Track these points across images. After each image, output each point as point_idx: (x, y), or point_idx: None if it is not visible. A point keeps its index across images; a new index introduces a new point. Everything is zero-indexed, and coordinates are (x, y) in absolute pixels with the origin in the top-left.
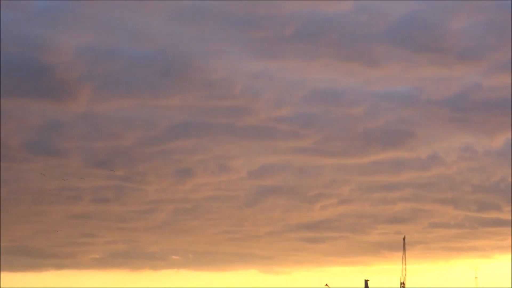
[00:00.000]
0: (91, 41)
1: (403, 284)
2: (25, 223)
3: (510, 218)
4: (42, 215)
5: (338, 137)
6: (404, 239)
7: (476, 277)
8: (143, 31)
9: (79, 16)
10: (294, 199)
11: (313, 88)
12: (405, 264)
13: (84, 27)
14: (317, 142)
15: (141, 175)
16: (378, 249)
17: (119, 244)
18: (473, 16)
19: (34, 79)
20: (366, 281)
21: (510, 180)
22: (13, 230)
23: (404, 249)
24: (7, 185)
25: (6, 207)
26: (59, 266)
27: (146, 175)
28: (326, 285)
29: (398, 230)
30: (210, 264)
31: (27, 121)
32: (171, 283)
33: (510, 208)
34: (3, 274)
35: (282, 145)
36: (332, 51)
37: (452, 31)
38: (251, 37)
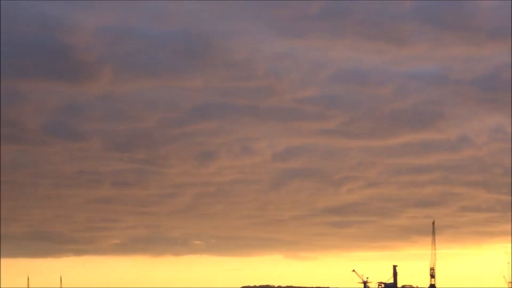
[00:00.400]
0: (111, 21)
1: (433, 269)
2: (44, 207)
3: None
4: (61, 199)
5: (364, 118)
6: (433, 223)
7: (509, 262)
8: (165, 10)
9: None
10: (320, 182)
11: (339, 68)
12: (435, 249)
13: (104, 6)
14: (343, 124)
15: (163, 158)
16: (407, 233)
17: (140, 229)
18: None
19: (52, 60)
20: (394, 267)
21: None
22: (32, 215)
23: (433, 233)
24: (25, 169)
25: (25, 191)
26: (79, 252)
27: (168, 158)
28: (353, 270)
29: (428, 214)
30: (234, 250)
31: (45, 103)
32: (194, 269)
33: None
34: (22, 260)
35: (307, 126)
36: (358, 30)
37: (482, 9)
38: (275, 16)
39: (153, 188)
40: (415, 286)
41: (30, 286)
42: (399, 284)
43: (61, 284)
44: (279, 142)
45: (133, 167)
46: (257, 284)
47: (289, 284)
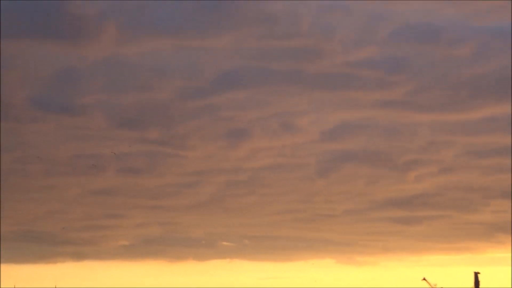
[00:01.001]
0: None
1: None
2: (33, 201)
3: None
4: (55, 190)
5: (436, 86)
6: None
7: None
8: None
9: None
10: (381, 167)
11: (404, 23)
12: None
13: None
14: (409, 93)
15: (181, 138)
16: (491, 232)
17: (153, 227)
18: None
19: (42, 16)
20: (476, 274)
21: None
22: (19, 211)
23: None
24: (10, 152)
25: (9, 180)
26: (77, 256)
27: (188, 138)
28: (424, 279)
29: None
30: (271, 253)
31: (34, 70)
32: (221, 277)
33: None
34: (6, 266)
35: (364, 97)
36: None
37: None
38: None
39: (169, 176)
40: None
41: None
42: None
43: None
44: (328, 117)
45: (144, 149)
46: None
47: None
